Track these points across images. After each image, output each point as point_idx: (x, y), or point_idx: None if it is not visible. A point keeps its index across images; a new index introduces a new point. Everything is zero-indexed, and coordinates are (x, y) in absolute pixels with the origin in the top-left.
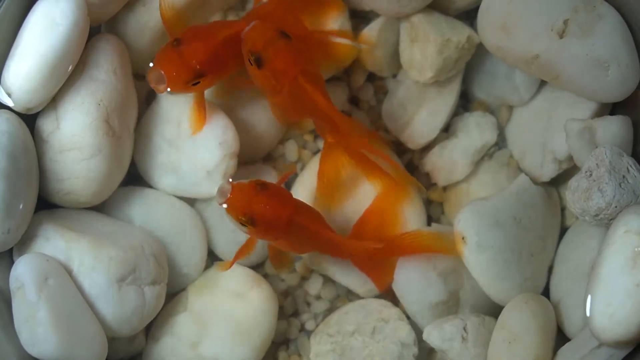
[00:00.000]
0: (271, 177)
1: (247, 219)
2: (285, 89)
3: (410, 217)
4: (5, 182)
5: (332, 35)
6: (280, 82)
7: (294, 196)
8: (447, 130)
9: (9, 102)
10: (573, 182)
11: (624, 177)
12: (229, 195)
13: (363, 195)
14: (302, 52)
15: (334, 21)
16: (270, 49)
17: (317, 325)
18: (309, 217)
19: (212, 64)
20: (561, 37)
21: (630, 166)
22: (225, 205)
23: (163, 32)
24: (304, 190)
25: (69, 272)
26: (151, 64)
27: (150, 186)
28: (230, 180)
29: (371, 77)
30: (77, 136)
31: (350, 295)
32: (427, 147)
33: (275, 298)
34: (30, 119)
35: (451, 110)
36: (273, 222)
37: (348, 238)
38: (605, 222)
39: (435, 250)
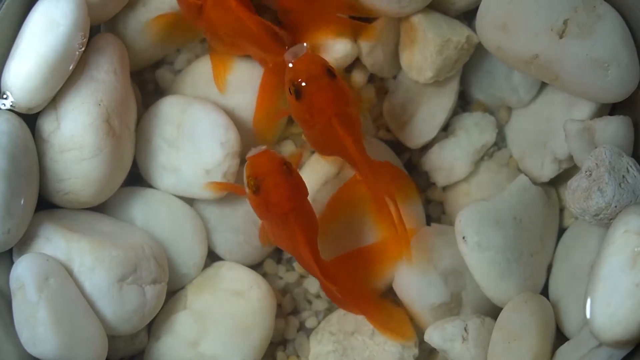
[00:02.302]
0: None
1: (254, 184)
2: (318, 126)
3: (410, 217)
4: (5, 182)
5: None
6: (315, 119)
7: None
8: (447, 130)
9: (9, 103)
10: (573, 182)
11: (623, 177)
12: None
13: (364, 231)
14: (343, 93)
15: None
16: (312, 84)
17: (319, 322)
18: (302, 222)
19: None
20: (561, 37)
21: (630, 166)
22: (248, 159)
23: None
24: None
25: (70, 272)
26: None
27: (151, 186)
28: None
29: (371, 78)
30: (77, 136)
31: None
32: (427, 147)
33: (274, 297)
34: (30, 119)
35: (450, 110)
36: (272, 206)
37: (322, 266)
38: (605, 222)
39: (383, 330)
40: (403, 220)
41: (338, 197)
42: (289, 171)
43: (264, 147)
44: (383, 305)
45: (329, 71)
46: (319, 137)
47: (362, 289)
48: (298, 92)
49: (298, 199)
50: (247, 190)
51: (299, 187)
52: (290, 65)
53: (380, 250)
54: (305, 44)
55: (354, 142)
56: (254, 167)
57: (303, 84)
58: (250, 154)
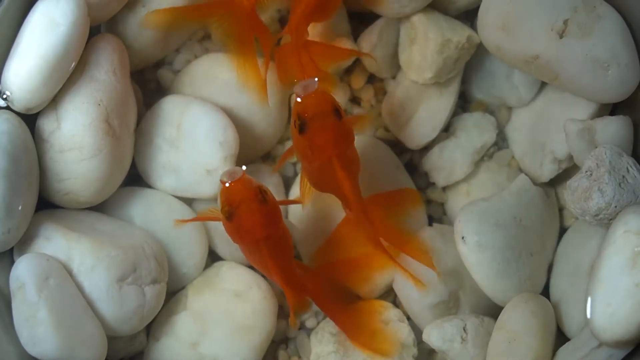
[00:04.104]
0: (270, 176)
1: (228, 211)
2: (317, 162)
3: (411, 219)
4: (5, 182)
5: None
6: (315, 155)
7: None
8: (447, 130)
9: (9, 103)
10: (573, 182)
11: (623, 177)
12: (231, 180)
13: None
14: (346, 134)
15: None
16: (317, 122)
17: (318, 323)
18: (274, 249)
19: None
20: (561, 37)
21: (630, 166)
22: (222, 184)
23: (162, 32)
24: None
25: (70, 272)
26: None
27: (150, 187)
28: (244, 168)
29: (371, 78)
30: (77, 136)
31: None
32: (427, 147)
33: (274, 297)
34: (30, 119)
35: (450, 110)
36: (245, 233)
37: (293, 290)
38: (605, 222)
39: (361, 347)
40: (399, 261)
41: (334, 239)
42: (264, 199)
43: (240, 171)
44: (363, 321)
45: (336, 111)
46: (317, 173)
47: (339, 305)
48: (303, 127)
49: (271, 227)
50: (221, 216)
51: (273, 215)
52: (299, 99)
53: (366, 260)
54: (316, 79)
55: (351, 185)
56: (228, 194)
57: (308, 119)
58: (224, 177)
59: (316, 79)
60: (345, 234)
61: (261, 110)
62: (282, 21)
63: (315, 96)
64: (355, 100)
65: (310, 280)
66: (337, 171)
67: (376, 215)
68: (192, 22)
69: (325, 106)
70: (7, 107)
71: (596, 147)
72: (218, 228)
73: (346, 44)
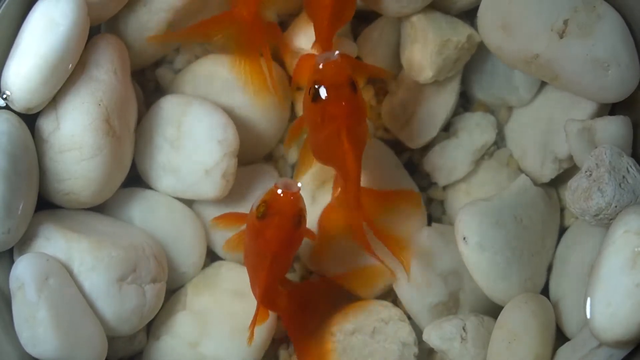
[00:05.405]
0: (271, 177)
1: (262, 210)
2: (325, 132)
3: (411, 218)
4: (5, 182)
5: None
6: (325, 124)
7: None
8: (447, 129)
9: (9, 102)
10: (573, 182)
11: (623, 177)
12: (281, 193)
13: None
14: (359, 109)
15: None
16: (333, 92)
17: None
18: (275, 270)
19: None
20: (561, 37)
21: (630, 166)
22: (275, 191)
23: (163, 31)
24: (303, 191)
25: (70, 271)
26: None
27: (149, 187)
28: (300, 185)
29: (372, 79)
30: (77, 136)
31: (350, 296)
32: (427, 147)
33: None
34: (30, 119)
35: (451, 109)
36: (263, 241)
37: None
38: (606, 222)
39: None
40: (372, 251)
41: (319, 226)
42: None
43: (296, 187)
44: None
45: (352, 84)
46: (322, 143)
47: (304, 332)
48: (316, 95)
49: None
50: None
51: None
52: (319, 67)
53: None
54: (337, 52)
55: (354, 159)
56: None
57: (323, 87)
58: (279, 185)
59: (337, 52)
60: (329, 219)
61: (262, 110)
62: (282, 26)
63: (334, 66)
64: None
65: (284, 299)
66: (344, 143)
67: (368, 203)
68: (195, 40)
69: (342, 77)
70: (7, 107)
71: (596, 147)
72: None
73: (346, 43)
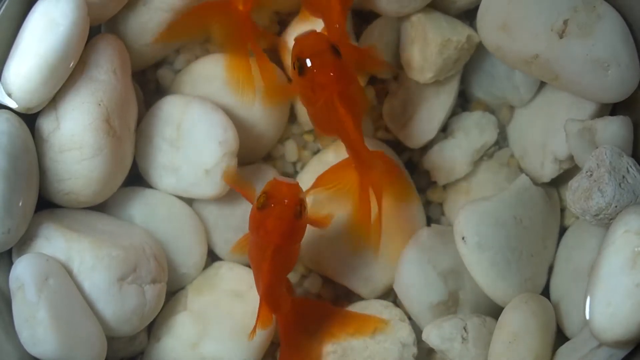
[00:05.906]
0: (271, 176)
1: (262, 201)
2: (319, 103)
3: (409, 218)
4: (5, 182)
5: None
6: (317, 95)
7: None
8: (446, 129)
9: (10, 102)
10: (573, 183)
11: (624, 177)
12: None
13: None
14: (346, 72)
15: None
16: (316, 61)
17: None
18: (278, 263)
19: None
20: (561, 37)
21: (630, 166)
22: (275, 182)
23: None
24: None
25: (70, 271)
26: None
27: (150, 186)
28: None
29: (372, 79)
30: (77, 136)
31: (350, 296)
32: (427, 146)
33: None
34: (30, 119)
35: (450, 109)
36: (264, 232)
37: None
38: (606, 222)
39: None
40: (381, 214)
41: (326, 177)
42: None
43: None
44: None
45: (334, 49)
46: (320, 114)
47: (295, 343)
48: (301, 68)
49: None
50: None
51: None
52: (296, 42)
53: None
54: (316, 29)
55: (353, 122)
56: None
57: (307, 59)
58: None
59: (315, 29)
60: (335, 174)
61: (261, 110)
62: (282, 24)
63: (312, 36)
64: None
65: (288, 303)
66: (339, 108)
67: (375, 164)
68: (193, 27)
69: (322, 45)
70: (7, 107)
71: (596, 147)
72: (217, 228)
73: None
